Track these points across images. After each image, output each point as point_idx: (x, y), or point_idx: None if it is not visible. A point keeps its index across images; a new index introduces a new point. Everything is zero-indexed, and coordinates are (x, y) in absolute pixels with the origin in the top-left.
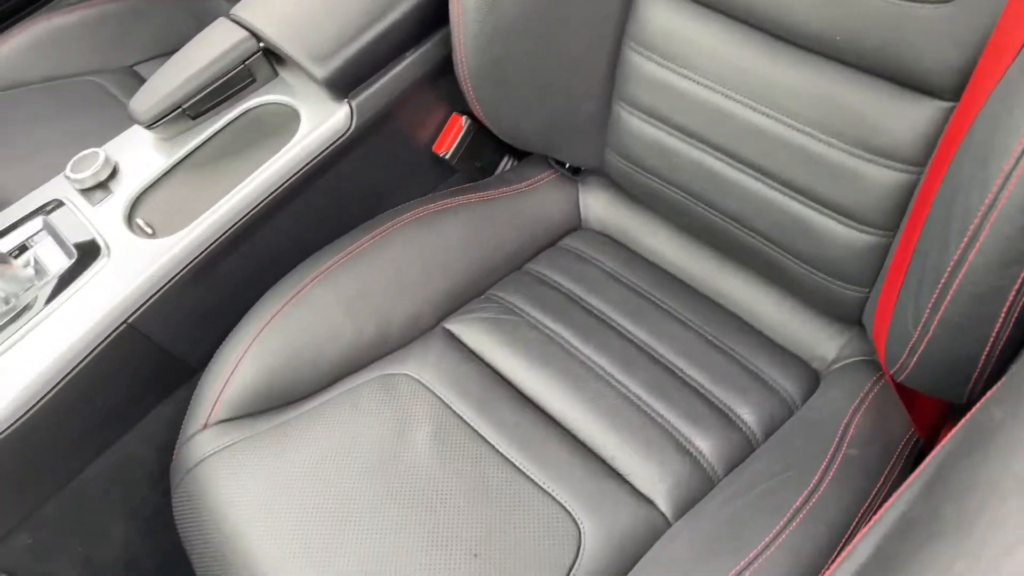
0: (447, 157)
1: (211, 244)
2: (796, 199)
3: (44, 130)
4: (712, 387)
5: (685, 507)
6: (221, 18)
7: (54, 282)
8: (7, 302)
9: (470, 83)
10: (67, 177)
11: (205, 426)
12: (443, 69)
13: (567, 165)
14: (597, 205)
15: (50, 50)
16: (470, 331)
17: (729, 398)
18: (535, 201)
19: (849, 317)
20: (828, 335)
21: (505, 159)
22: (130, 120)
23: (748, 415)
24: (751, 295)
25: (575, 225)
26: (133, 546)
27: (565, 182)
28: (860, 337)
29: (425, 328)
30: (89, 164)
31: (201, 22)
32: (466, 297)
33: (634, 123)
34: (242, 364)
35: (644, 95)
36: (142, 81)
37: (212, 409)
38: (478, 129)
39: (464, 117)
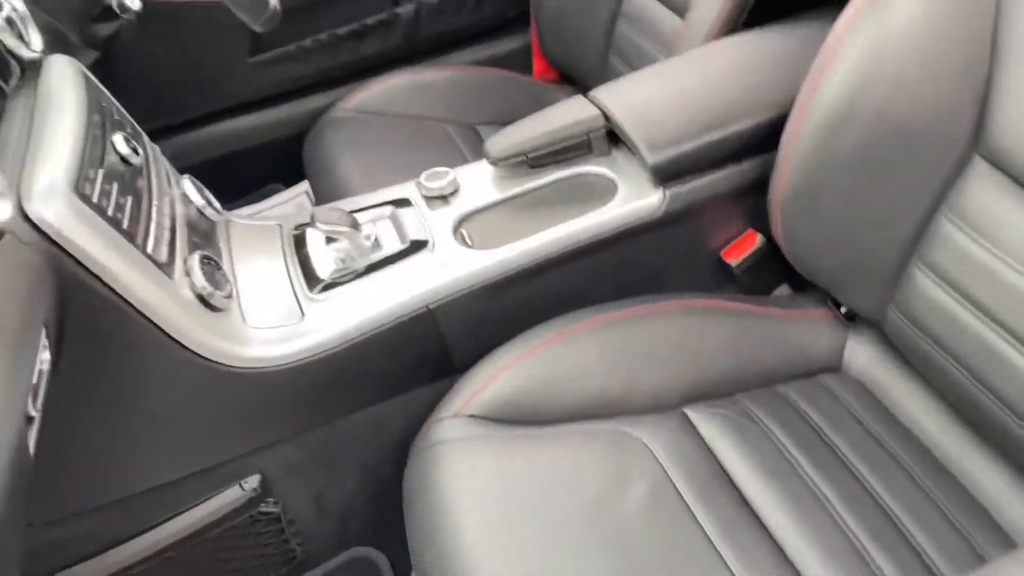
0: (733, 266)
1: (513, 268)
2: None
3: (396, 152)
4: (933, 553)
5: None
6: (579, 95)
7: (384, 257)
8: (343, 261)
9: (780, 203)
10: (418, 184)
11: (456, 415)
12: (755, 187)
13: (842, 308)
14: (863, 355)
15: (417, 94)
16: (708, 423)
17: (948, 569)
18: (802, 332)
19: None
20: None
21: (784, 285)
22: (465, 161)
23: None
24: (998, 484)
25: (835, 367)
26: (355, 499)
27: (836, 324)
28: None
29: (665, 406)
30: (439, 178)
31: (539, 103)
32: (711, 393)
33: (928, 287)
34: (503, 374)
35: (947, 264)
36: (480, 137)
37: (467, 402)
38: (769, 250)
39: (759, 235)
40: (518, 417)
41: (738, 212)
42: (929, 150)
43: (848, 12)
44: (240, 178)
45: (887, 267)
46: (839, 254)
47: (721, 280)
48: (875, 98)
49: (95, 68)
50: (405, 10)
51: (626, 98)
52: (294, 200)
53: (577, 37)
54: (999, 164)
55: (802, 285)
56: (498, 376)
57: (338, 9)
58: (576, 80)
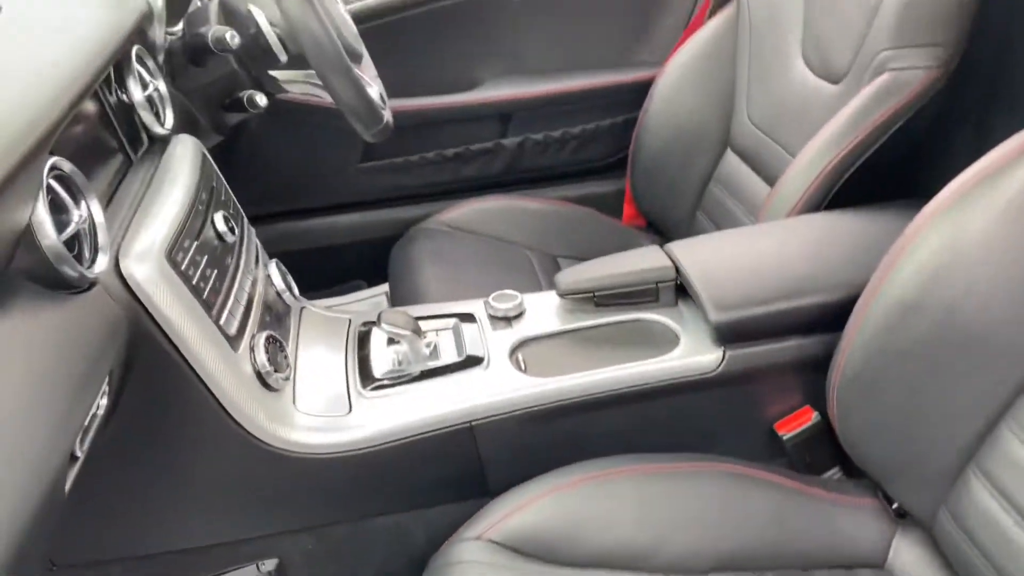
0: (784, 439)
1: (561, 400)
2: None
3: (476, 269)
4: None
5: None
6: (655, 246)
7: (438, 366)
8: (399, 363)
9: (838, 384)
10: (486, 303)
11: (478, 538)
12: (817, 365)
13: (894, 504)
14: (909, 556)
15: (508, 218)
16: None
17: None
18: (848, 520)
19: None
20: None
21: (836, 469)
22: (540, 289)
23: None
24: None
25: (878, 563)
26: None
27: (885, 518)
28: None
29: (691, 569)
30: (507, 301)
31: (622, 247)
32: (742, 565)
33: (983, 496)
34: (533, 505)
35: (1007, 477)
36: (558, 267)
37: (491, 527)
38: (824, 429)
39: (815, 413)
40: (540, 552)
41: (797, 386)
42: (996, 357)
43: (931, 205)
44: (326, 271)
45: (942, 468)
46: (892, 447)
47: (771, 451)
48: (945, 295)
49: (216, 151)
50: (511, 142)
51: (700, 255)
52: (372, 299)
53: (670, 191)
54: None
55: (855, 472)
56: (528, 506)
57: (448, 132)
58: (662, 231)
